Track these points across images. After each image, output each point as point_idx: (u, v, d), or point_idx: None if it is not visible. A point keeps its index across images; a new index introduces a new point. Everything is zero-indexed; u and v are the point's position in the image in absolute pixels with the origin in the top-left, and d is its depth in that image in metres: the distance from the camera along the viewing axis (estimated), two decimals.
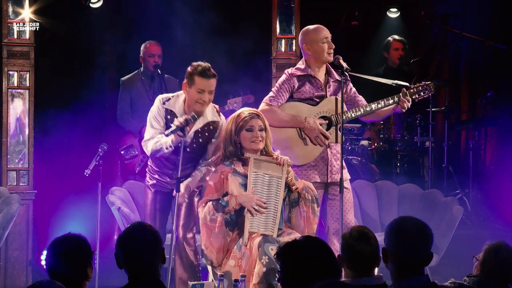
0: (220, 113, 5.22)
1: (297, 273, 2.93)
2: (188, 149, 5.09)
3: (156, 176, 5.24)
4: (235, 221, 4.78)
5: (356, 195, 6.33)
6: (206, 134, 5.12)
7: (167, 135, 4.95)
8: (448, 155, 8.13)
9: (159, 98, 5.17)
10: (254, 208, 4.72)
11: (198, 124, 5.08)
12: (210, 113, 5.12)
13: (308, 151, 5.25)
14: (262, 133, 4.89)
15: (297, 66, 5.38)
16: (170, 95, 5.19)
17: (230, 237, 4.77)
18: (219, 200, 4.80)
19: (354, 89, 5.44)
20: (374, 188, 6.67)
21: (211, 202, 4.79)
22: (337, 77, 5.33)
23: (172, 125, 4.96)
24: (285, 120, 5.23)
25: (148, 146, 5.10)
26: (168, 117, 5.06)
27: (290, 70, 5.36)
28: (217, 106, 5.21)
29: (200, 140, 5.11)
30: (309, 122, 5.20)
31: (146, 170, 5.38)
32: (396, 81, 5.45)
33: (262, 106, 5.29)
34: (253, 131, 4.87)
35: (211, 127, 5.12)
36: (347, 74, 5.31)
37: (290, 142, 5.25)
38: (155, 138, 5.06)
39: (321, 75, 5.33)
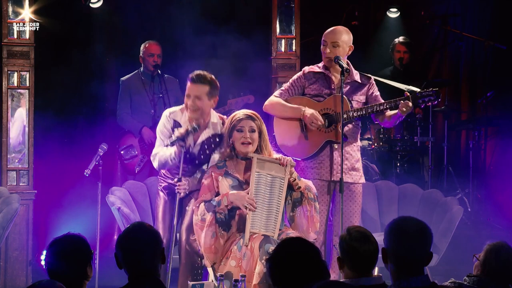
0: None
1: (285, 277, 2.93)
2: (196, 161, 5.11)
3: (168, 180, 5.25)
4: (228, 221, 4.78)
5: None
6: (212, 146, 5.12)
7: (166, 146, 4.96)
8: (448, 155, 8.13)
9: (166, 111, 5.21)
10: (245, 206, 4.71)
11: (204, 136, 5.08)
12: (217, 125, 5.12)
13: (307, 145, 5.28)
14: (253, 134, 4.88)
15: (317, 64, 5.41)
16: (176, 107, 5.22)
17: (224, 237, 4.76)
18: (210, 200, 4.81)
19: (377, 93, 5.39)
20: (374, 188, 6.67)
21: (203, 202, 4.80)
22: (355, 79, 5.32)
23: (173, 135, 4.97)
24: (286, 110, 5.31)
25: (155, 161, 5.13)
26: (175, 129, 5.06)
27: (307, 68, 5.40)
28: (224, 117, 5.20)
29: (207, 152, 5.12)
30: (305, 111, 5.23)
31: (158, 176, 5.38)
32: (408, 86, 5.41)
33: (271, 97, 5.40)
34: (243, 132, 4.87)
35: (217, 139, 5.12)
36: (371, 76, 5.35)
37: (292, 134, 5.31)
38: (160, 152, 5.08)
39: (336, 74, 5.33)
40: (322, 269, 2.94)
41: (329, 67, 5.33)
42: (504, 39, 8.15)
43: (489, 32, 8.56)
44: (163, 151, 5.06)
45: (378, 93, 5.39)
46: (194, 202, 4.90)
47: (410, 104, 5.18)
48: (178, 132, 4.95)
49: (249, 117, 4.90)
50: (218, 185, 4.86)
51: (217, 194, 4.86)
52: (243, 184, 4.86)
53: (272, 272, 2.96)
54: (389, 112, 5.32)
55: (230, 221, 4.78)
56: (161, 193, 5.30)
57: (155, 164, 5.14)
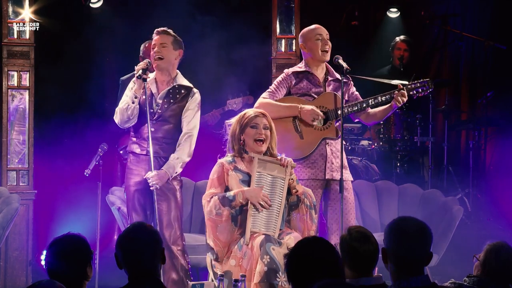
0: (196, 91, 5.32)
1: (302, 274, 2.94)
2: (159, 110, 5.22)
3: (133, 169, 5.27)
4: (237, 216, 4.77)
5: (356, 195, 6.33)
6: (177, 96, 5.26)
7: (138, 77, 5.13)
8: (448, 155, 8.13)
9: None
10: (260, 204, 4.72)
11: (169, 85, 5.26)
12: (183, 80, 5.32)
13: (303, 145, 5.28)
14: (267, 131, 4.90)
15: (297, 65, 5.41)
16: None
17: (236, 232, 4.76)
18: (225, 194, 4.80)
19: (356, 92, 5.42)
20: (374, 188, 6.67)
21: (217, 196, 4.78)
22: (338, 77, 5.33)
23: (136, 72, 5.16)
24: (281, 110, 5.28)
25: (116, 113, 5.28)
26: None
27: (290, 70, 5.40)
28: (193, 88, 5.32)
29: (172, 101, 5.25)
30: (303, 107, 5.23)
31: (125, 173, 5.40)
32: (397, 81, 5.44)
33: (259, 100, 5.36)
34: (257, 128, 4.88)
35: (182, 91, 5.27)
36: (349, 75, 5.34)
37: (286, 136, 5.28)
38: (119, 104, 5.27)
39: (320, 73, 5.35)
40: (337, 270, 2.94)
41: (312, 66, 5.32)
42: (504, 39, 8.15)
43: (489, 32, 8.56)
44: (122, 100, 5.26)
45: (357, 92, 5.43)
46: (203, 196, 4.88)
47: (406, 93, 5.20)
48: (138, 66, 5.15)
49: (262, 114, 4.93)
50: (228, 179, 4.87)
51: (226, 188, 4.86)
52: None
53: (288, 269, 2.98)
54: (376, 109, 5.33)
55: (237, 216, 4.78)
56: (126, 191, 5.31)
57: (118, 119, 5.27)
